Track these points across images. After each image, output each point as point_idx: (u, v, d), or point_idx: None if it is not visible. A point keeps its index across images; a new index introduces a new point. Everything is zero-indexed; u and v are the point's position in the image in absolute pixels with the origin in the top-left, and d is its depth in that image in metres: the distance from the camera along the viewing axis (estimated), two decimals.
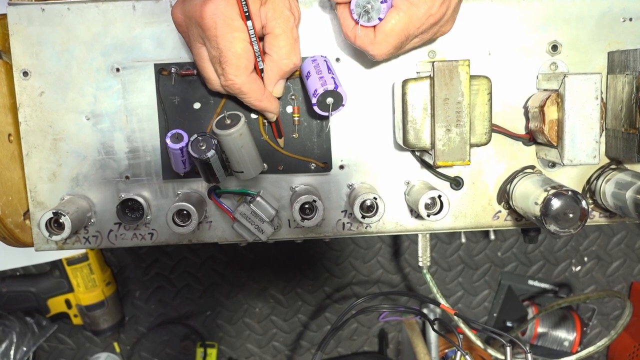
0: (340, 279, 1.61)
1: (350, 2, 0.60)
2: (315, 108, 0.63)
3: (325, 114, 0.63)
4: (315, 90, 0.62)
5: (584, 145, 0.65)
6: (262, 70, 0.63)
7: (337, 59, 0.70)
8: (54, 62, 0.69)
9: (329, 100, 0.62)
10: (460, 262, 1.63)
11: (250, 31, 0.60)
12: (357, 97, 0.71)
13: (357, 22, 0.60)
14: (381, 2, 0.59)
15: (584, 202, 0.62)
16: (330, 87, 0.61)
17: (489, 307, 1.65)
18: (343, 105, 0.63)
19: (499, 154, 0.72)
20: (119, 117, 0.70)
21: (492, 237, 1.61)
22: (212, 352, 1.58)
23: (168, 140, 0.62)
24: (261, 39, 0.63)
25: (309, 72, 0.65)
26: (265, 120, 0.69)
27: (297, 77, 0.69)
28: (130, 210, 0.69)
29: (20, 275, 1.51)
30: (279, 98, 0.67)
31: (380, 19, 0.60)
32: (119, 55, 0.69)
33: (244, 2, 0.58)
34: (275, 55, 0.62)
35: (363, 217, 0.67)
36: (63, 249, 0.73)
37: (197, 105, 0.69)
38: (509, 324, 1.60)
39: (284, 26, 0.61)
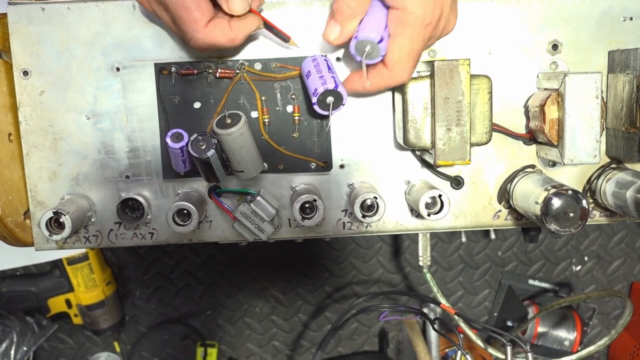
0: (340, 279, 1.61)
1: (349, 50, 0.60)
2: (316, 107, 0.63)
3: (326, 113, 0.63)
4: (316, 90, 0.62)
5: (585, 144, 0.65)
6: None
7: (338, 59, 0.70)
8: (54, 62, 0.69)
9: (329, 99, 0.62)
10: (461, 261, 1.63)
11: None
12: (357, 97, 0.71)
13: (363, 74, 0.61)
14: (379, 43, 0.59)
15: (584, 202, 0.62)
16: (331, 86, 0.61)
17: (489, 306, 1.65)
18: (343, 105, 0.63)
19: (499, 153, 0.72)
20: (119, 116, 0.70)
21: (493, 236, 1.61)
22: (213, 352, 1.58)
23: (168, 140, 0.62)
24: None
25: (309, 71, 0.65)
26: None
27: (297, 77, 0.69)
28: (130, 209, 0.69)
29: (21, 274, 1.51)
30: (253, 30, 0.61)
31: (382, 56, 0.60)
32: (119, 54, 0.69)
33: None
34: None
35: (363, 216, 0.67)
36: (63, 249, 0.73)
37: (197, 105, 0.69)
38: (509, 323, 1.60)
39: None
